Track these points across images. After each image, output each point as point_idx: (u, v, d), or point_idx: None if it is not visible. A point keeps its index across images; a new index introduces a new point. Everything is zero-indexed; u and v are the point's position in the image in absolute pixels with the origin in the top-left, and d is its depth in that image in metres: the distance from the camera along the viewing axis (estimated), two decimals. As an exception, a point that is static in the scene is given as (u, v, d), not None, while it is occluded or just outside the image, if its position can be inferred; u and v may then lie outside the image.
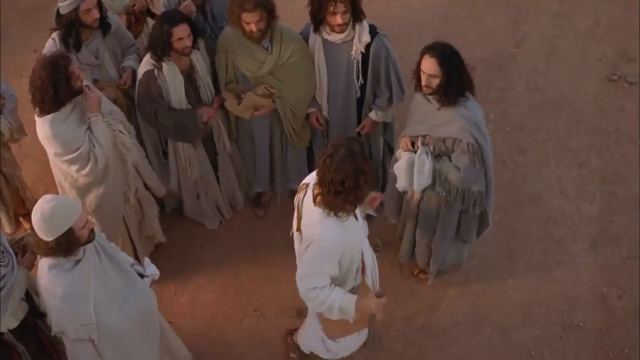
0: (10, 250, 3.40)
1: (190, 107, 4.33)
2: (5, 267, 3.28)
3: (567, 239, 5.09)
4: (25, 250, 3.54)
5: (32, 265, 3.56)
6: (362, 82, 4.41)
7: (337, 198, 3.17)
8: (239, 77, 4.42)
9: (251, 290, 4.93)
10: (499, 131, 5.71)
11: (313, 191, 3.31)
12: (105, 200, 4.13)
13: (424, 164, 4.00)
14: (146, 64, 4.21)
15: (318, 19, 4.21)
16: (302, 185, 3.52)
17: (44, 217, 3.08)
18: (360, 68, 4.34)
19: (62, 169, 4.00)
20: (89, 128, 3.89)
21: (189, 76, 4.29)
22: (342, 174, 3.11)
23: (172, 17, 4.08)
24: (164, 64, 4.14)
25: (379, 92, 4.48)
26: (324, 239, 3.26)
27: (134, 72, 4.49)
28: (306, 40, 4.40)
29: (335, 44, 4.28)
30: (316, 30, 4.28)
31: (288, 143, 4.77)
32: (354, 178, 3.12)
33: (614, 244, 5.07)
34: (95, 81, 4.39)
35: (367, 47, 4.28)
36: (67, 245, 3.14)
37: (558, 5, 6.71)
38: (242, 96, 4.36)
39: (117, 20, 4.50)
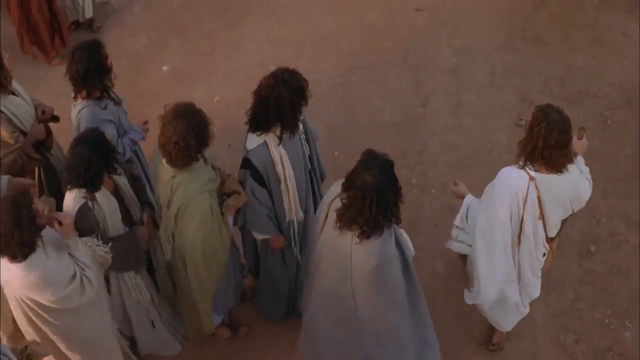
0: None
1: (127, 229, 4.26)
2: None
3: (515, 292, 5.33)
4: None
5: None
6: (308, 150, 4.55)
7: (561, 154, 3.96)
8: None
9: None
10: (424, 195, 5.97)
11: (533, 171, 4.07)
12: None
13: None
14: (76, 199, 4.02)
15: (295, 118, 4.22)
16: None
17: None
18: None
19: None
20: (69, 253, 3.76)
21: (117, 196, 4.22)
22: (564, 132, 3.92)
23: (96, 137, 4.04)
24: (96, 193, 4.05)
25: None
26: (576, 170, 4.20)
27: None
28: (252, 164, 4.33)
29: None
30: (292, 134, 4.26)
31: None
32: (571, 132, 3.97)
33: (559, 289, 5.38)
34: None
35: None
36: None
37: (452, 59, 7.18)
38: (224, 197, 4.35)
39: None
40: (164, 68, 7.22)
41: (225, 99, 6.82)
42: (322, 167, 4.87)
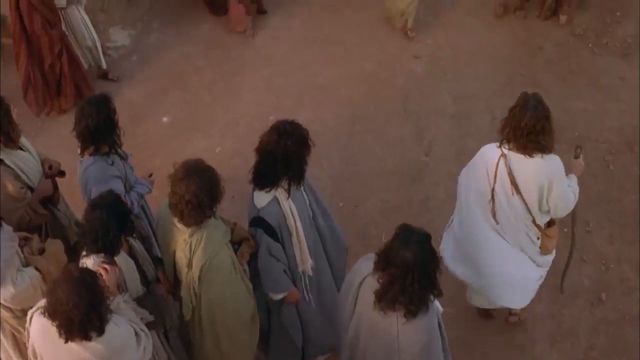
0: None
1: (144, 289, 4.18)
2: None
3: (527, 342, 5.33)
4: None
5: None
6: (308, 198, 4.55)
7: (529, 138, 4.26)
8: None
9: None
10: (431, 243, 5.93)
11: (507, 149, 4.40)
12: None
13: None
14: (95, 266, 3.83)
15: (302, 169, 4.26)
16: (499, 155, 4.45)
17: None
18: None
19: None
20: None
21: (132, 257, 4.15)
22: (535, 118, 4.21)
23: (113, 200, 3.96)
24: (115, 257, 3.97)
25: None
26: (559, 166, 4.41)
27: None
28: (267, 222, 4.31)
29: None
30: (299, 185, 4.30)
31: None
32: (543, 122, 4.23)
33: (571, 338, 5.36)
34: None
35: None
36: None
37: (453, 106, 7.24)
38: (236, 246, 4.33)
39: None
40: (164, 119, 7.24)
41: (227, 150, 6.82)
42: (329, 215, 4.85)
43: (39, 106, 7.15)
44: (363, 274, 3.71)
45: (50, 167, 4.89)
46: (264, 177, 4.25)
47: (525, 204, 4.50)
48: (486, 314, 5.45)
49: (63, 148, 6.06)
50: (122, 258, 4.00)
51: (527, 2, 8.20)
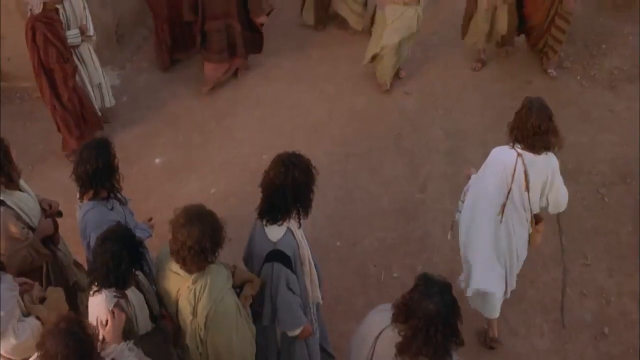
0: None
1: (153, 325, 4.14)
2: None
3: (532, 379, 5.29)
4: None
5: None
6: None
7: (536, 139, 4.64)
8: None
9: None
10: (431, 281, 5.90)
11: (517, 150, 4.76)
12: None
13: None
14: (107, 301, 3.84)
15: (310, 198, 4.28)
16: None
17: None
18: None
19: None
20: None
21: (140, 290, 4.11)
22: (540, 119, 4.60)
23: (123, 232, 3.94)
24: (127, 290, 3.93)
25: None
26: (556, 161, 4.80)
27: None
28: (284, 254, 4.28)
29: None
30: (307, 214, 4.30)
31: None
32: (547, 123, 4.62)
33: (576, 374, 5.33)
34: None
35: None
36: None
37: (446, 141, 7.28)
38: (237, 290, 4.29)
39: None
40: (157, 161, 7.20)
41: (222, 191, 6.79)
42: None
43: (76, 139, 7.03)
44: (380, 326, 3.63)
45: (50, 207, 4.88)
46: (275, 211, 4.23)
47: (529, 199, 4.87)
48: (491, 343, 5.46)
49: (54, 192, 5.98)
50: (131, 292, 3.98)
51: (517, 36, 8.30)
